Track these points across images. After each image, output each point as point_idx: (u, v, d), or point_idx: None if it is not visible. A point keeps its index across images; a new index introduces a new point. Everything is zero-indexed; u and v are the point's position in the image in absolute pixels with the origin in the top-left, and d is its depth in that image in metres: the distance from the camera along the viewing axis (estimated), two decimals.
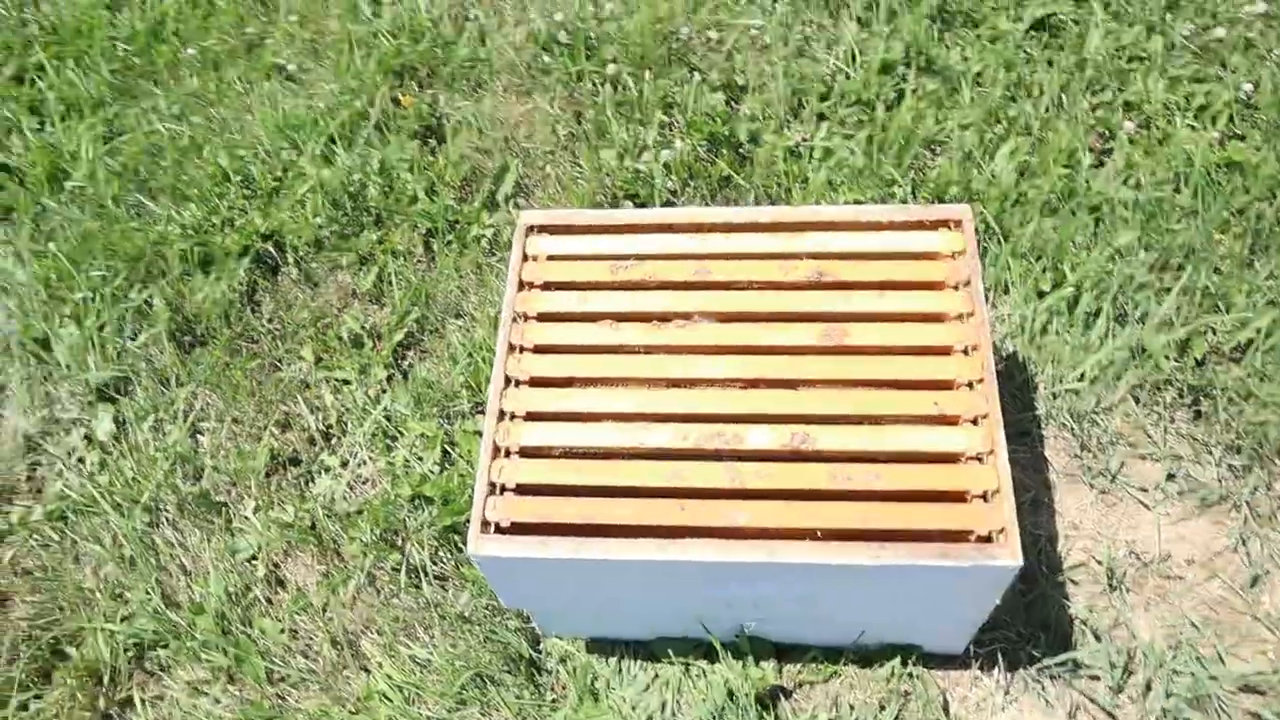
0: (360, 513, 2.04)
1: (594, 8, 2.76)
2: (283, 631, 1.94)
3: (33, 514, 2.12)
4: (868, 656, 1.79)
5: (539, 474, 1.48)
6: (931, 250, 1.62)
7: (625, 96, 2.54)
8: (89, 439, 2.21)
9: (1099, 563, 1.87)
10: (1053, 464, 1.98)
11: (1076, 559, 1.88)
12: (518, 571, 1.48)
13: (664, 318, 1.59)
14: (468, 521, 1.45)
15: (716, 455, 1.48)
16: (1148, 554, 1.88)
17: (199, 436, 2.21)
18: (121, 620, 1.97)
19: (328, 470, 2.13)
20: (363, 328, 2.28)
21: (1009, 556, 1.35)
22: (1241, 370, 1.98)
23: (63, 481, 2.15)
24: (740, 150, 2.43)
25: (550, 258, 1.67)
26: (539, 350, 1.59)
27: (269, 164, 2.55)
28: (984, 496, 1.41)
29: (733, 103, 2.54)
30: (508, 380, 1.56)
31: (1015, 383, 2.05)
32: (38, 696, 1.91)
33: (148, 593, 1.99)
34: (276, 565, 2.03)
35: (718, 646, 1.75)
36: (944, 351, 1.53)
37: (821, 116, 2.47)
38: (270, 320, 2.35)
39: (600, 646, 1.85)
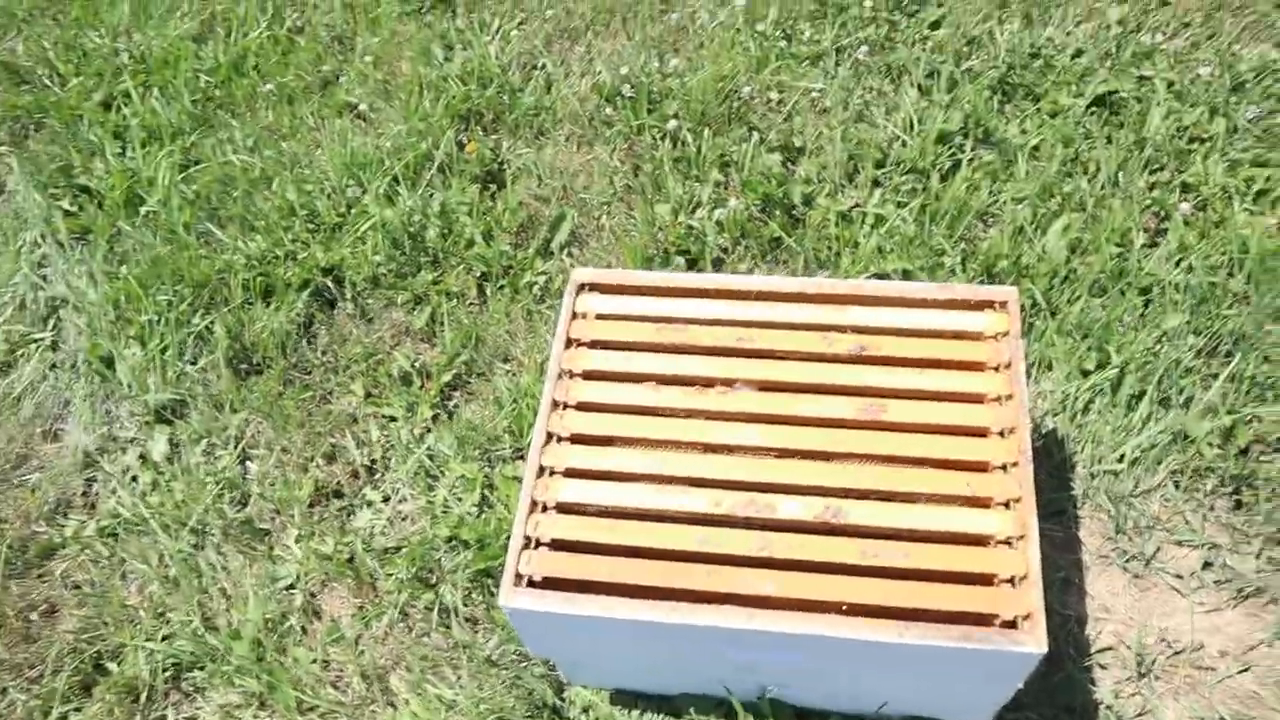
0: (398, 549, 2.09)
1: (659, 63, 2.82)
2: (315, 661, 1.98)
3: (86, 529, 2.20)
4: None
5: (574, 530, 1.52)
6: (975, 330, 1.63)
7: (684, 153, 2.59)
8: (144, 459, 2.29)
9: (1128, 648, 1.85)
10: (1087, 545, 1.97)
11: (1105, 643, 1.87)
12: (546, 624, 1.51)
13: (706, 383, 1.62)
14: (501, 566, 1.49)
15: (747, 524, 1.50)
16: (1179, 642, 1.86)
17: (248, 463, 2.28)
18: (162, 639, 2.03)
19: (369, 505, 2.18)
20: (413, 366, 2.34)
21: (1034, 644, 1.36)
22: None
23: (116, 499, 2.23)
24: (793, 212, 2.46)
25: (599, 316, 1.72)
26: (581, 408, 1.63)
27: (334, 200, 2.64)
28: (1012, 581, 1.42)
29: (789, 164, 2.58)
30: (549, 436, 1.60)
31: (1054, 460, 2.05)
32: (77, 709, 1.98)
33: (189, 614, 2.05)
34: (313, 595, 2.08)
35: (739, 709, 1.76)
36: (981, 433, 1.54)
37: (876, 183, 2.50)
38: (324, 353, 2.42)
39: (624, 698, 1.86)
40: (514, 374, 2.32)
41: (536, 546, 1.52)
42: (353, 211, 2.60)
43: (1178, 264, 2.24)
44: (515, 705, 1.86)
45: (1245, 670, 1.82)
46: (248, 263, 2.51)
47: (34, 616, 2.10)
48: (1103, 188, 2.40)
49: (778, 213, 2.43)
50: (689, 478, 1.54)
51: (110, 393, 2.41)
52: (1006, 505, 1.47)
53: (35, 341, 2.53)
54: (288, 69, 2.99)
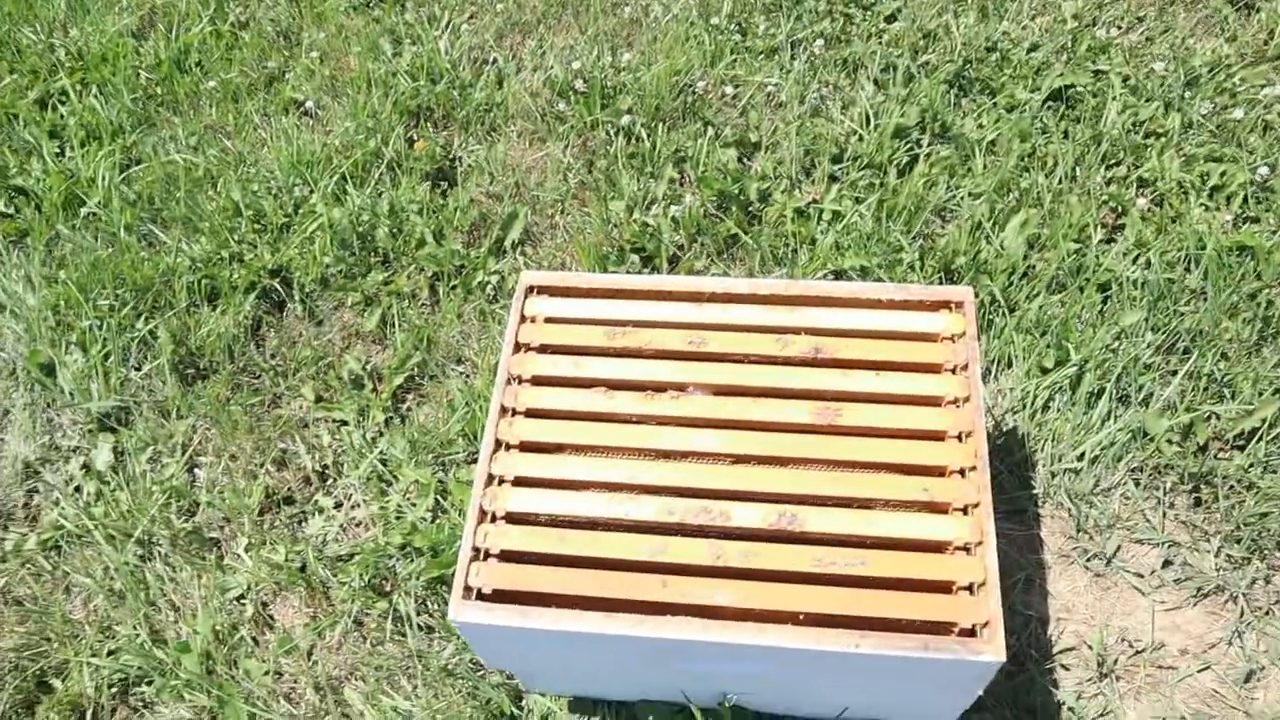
0: (351, 557, 2.04)
1: (612, 58, 2.77)
2: (267, 673, 1.93)
3: (27, 542, 2.13)
4: None
5: (524, 541, 1.48)
6: (931, 331, 1.61)
7: (638, 149, 2.55)
8: (87, 468, 2.22)
9: (1090, 648, 1.84)
10: (1048, 544, 1.96)
11: (1067, 643, 1.86)
12: (499, 637, 1.48)
13: (658, 388, 1.59)
14: (455, 575, 1.45)
15: (702, 532, 1.47)
16: (1140, 641, 1.85)
17: (195, 471, 2.22)
18: (108, 654, 1.97)
19: (321, 511, 2.13)
20: (364, 369, 2.29)
21: (992, 653, 1.34)
22: (1244, 459, 1.96)
23: (58, 510, 2.16)
24: (749, 209, 2.43)
25: (548, 320, 1.68)
26: (531, 414, 1.59)
27: (281, 200, 2.57)
28: (970, 588, 1.40)
29: (745, 159, 2.55)
30: (498, 444, 1.56)
31: (1014, 459, 2.04)
32: None
33: (135, 628, 1.99)
34: (265, 605, 2.03)
35: (698, 716, 1.74)
36: (938, 437, 1.52)
37: (833, 178, 2.47)
38: (273, 356, 2.36)
39: (582, 705, 1.83)
40: (467, 376, 2.27)
41: (486, 558, 1.48)
42: (300, 211, 2.54)
43: (1135, 260, 2.24)
44: (472, 714, 1.82)
45: (1205, 669, 1.82)
46: (192, 265, 2.44)
47: None
48: (1060, 183, 2.39)
49: (734, 209, 2.40)
50: (641, 485, 1.50)
51: (51, 401, 2.33)
52: (964, 510, 1.45)
53: None
54: (232, 65, 2.91)
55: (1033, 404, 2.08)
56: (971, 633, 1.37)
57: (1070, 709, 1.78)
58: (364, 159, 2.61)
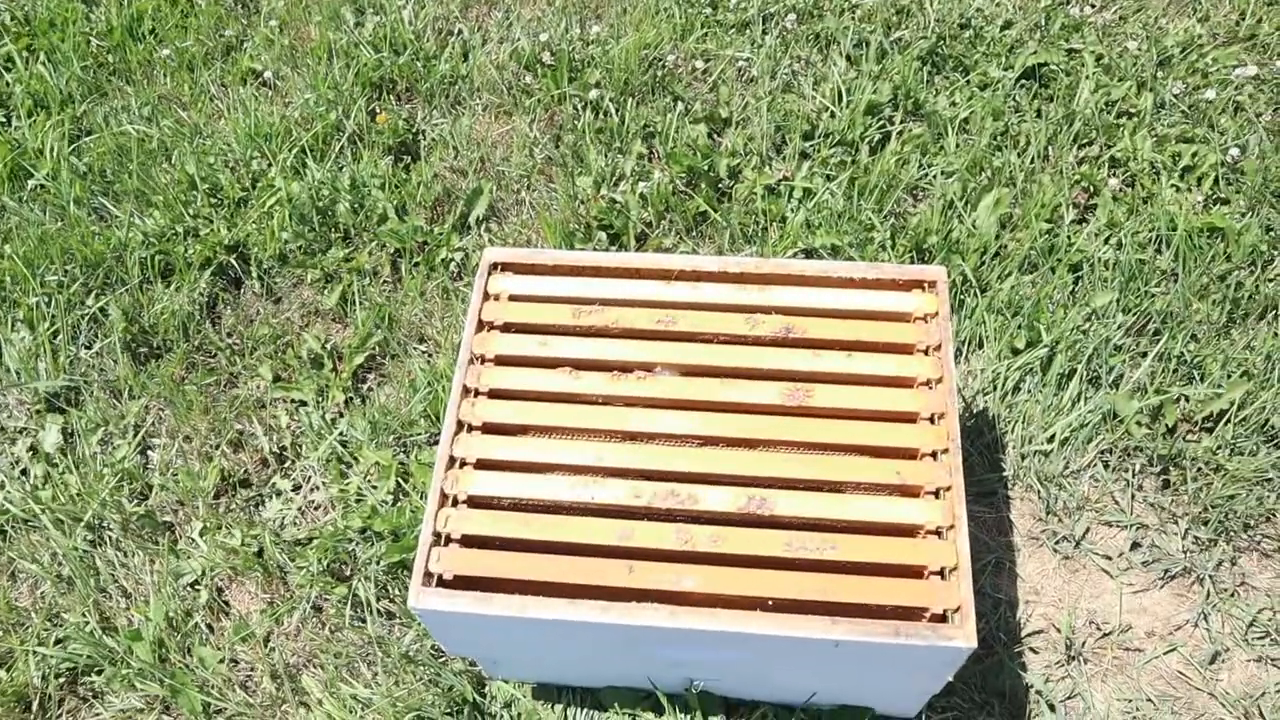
0: (310, 541, 1.99)
1: (580, 30, 2.71)
2: (222, 661, 1.88)
3: None
4: (819, 716, 1.74)
5: (486, 525, 1.44)
6: (904, 311, 1.58)
7: (606, 124, 2.50)
8: (35, 450, 2.15)
9: (1058, 630, 1.83)
10: (1017, 526, 1.94)
11: (1036, 626, 1.85)
12: (460, 624, 1.44)
13: (625, 368, 1.55)
14: (415, 560, 1.41)
15: (669, 516, 1.43)
16: (1108, 624, 1.84)
17: (148, 453, 2.15)
18: (55, 643, 1.91)
19: (279, 494, 2.07)
20: (323, 347, 2.22)
21: (963, 639, 1.31)
22: (1213, 441, 1.95)
23: (3, 494, 2.08)
24: (719, 185, 2.39)
25: (512, 298, 1.63)
26: (494, 395, 1.54)
27: (238, 173, 2.50)
28: (941, 573, 1.37)
29: (715, 135, 2.50)
30: (460, 425, 1.51)
31: (984, 440, 2.02)
32: None
33: (85, 615, 1.93)
34: (220, 591, 1.97)
35: (664, 702, 1.71)
36: (910, 419, 1.49)
37: (804, 155, 2.43)
38: (229, 335, 2.29)
39: (547, 692, 1.80)
40: (430, 355, 2.22)
41: (447, 543, 1.43)
42: (258, 185, 2.46)
43: (1107, 241, 2.22)
44: (434, 702, 1.78)
45: (1171, 651, 1.81)
46: (145, 240, 2.36)
47: None
48: (1032, 162, 2.37)
49: (703, 186, 2.36)
50: (607, 468, 1.46)
51: None
52: (936, 494, 1.42)
53: None
54: (187, 33, 2.82)
55: (1003, 385, 2.06)
56: (943, 618, 1.35)
57: (1038, 692, 1.77)
58: (324, 132, 2.54)
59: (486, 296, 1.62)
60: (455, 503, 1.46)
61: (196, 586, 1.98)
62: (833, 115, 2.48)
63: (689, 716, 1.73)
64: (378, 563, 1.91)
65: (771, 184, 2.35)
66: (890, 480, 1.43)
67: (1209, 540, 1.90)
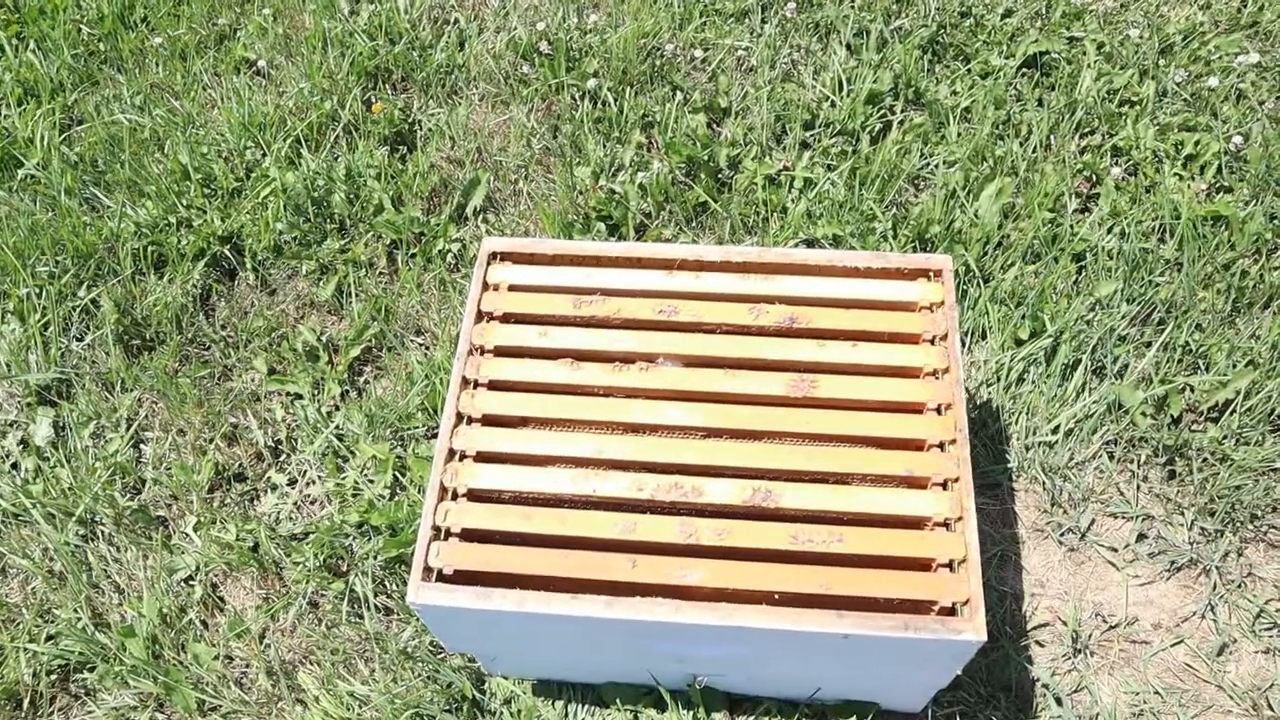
0: (306, 536, 1.96)
1: (578, 19, 2.68)
2: (216, 658, 1.85)
3: None
4: (823, 712, 1.72)
5: (486, 519, 1.41)
6: (909, 301, 1.56)
7: (604, 113, 2.47)
8: (25, 444, 2.12)
9: (1064, 623, 1.82)
10: (1022, 519, 1.92)
11: (1041, 619, 1.83)
12: (460, 620, 1.41)
13: (627, 359, 1.52)
14: (414, 554, 1.38)
15: (673, 509, 1.41)
16: (1114, 616, 1.83)
17: (141, 446, 2.12)
18: (47, 640, 1.88)
19: (274, 489, 2.04)
20: (319, 340, 2.20)
21: (973, 632, 1.29)
22: (1218, 431, 1.93)
23: None
24: (719, 176, 2.36)
25: (512, 288, 1.60)
26: (494, 386, 1.51)
27: (231, 163, 2.47)
28: (950, 565, 1.35)
29: (714, 125, 2.48)
30: (459, 417, 1.48)
31: (988, 432, 2.00)
32: None
33: (77, 611, 1.90)
34: (215, 586, 1.95)
35: (667, 698, 1.69)
36: (916, 409, 1.47)
37: (805, 145, 2.41)
38: (223, 327, 2.26)
39: (547, 688, 1.77)
40: (427, 347, 2.19)
41: (446, 537, 1.41)
42: (252, 175, 2.43)
43: (1110, 230, 2.20)
44: (433, 699, 1.76)
45: (1179, 643, 1.80)
46: (137, 231, 2.33)
47: None
48: (1034, 151, 2.34)
49: (703, 176, 2.33)
50: (609, 460, 1.44)
51: None
52: (944, 486, 1.40)
53: None
54: (180, 21, 2.78)
55: (1007, 376, 2.03)
56: (952, 611, 1.33)
57: (1045, 685, 1.75)
58: (319, 121, 2.50)
59: (486, 286, 1.60)
60: (455, 496, 1.43)
61: (190, 582, 1.95)
62: (833, 105, 2.46)
63: (692, 713, 1.71)
64: (375, 558, 1.89)
65: (772, 174, 2.33)
66: (897, 472, 1.41)
67: (1215, 531, 1.88)
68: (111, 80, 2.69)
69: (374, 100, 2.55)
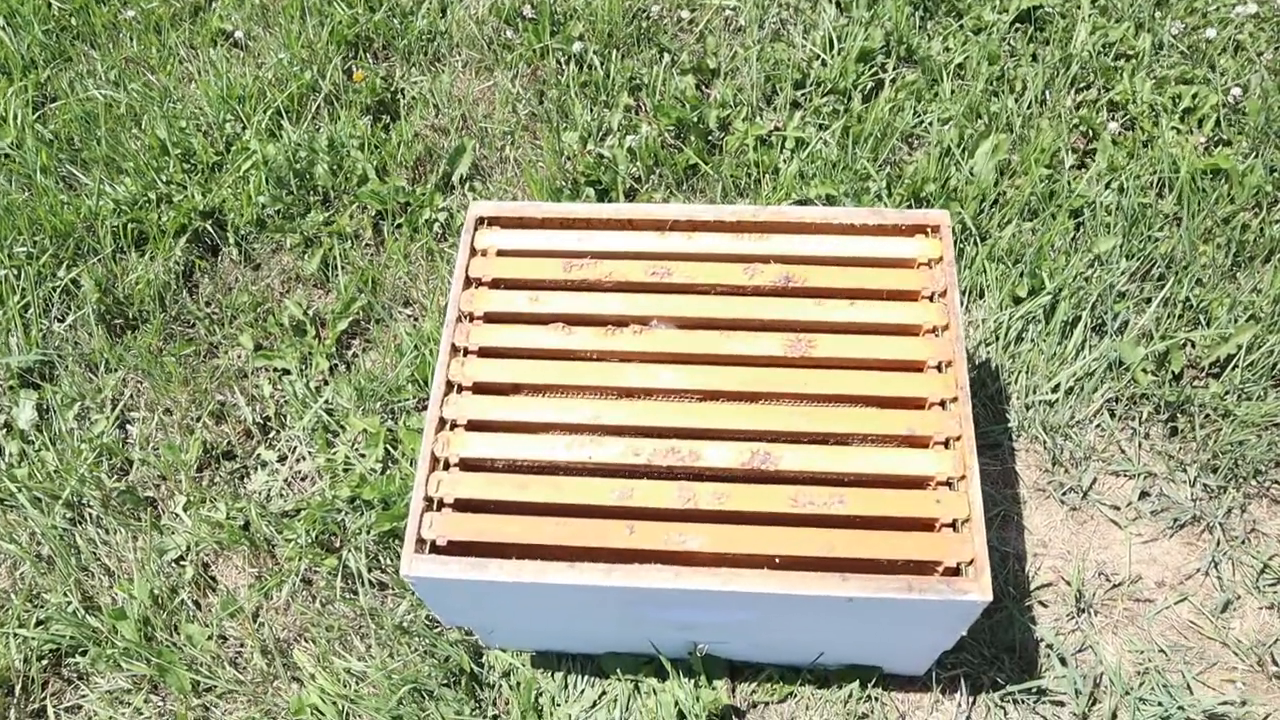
0: (297, 513, 1.93)
1: None
2: (210, 638, 1.82)
3: None
4: (826, 677, 1.71)
5: (480, 489, 1.38)
6: (907, 257, 1.52)
7: (591, 77, 2.42)
8: (8, 427, 2.08)
9: (1067, 583, 1.80)
10: (1023, 478, 1.90)
11: (1044, 579, 1.81)
12: (455, 592, 1.38)
13: (620, 322, 1.49)
14: (407, 528, 1.35)
15: (670, 473, 1.38)
16: (1117, 575, 1.81)
17: (127, 427, 2.08)
18: (36, 624, 1.85)
19: (264, 465, 2.01)
20: (305, 314, 2.16)
21: (978, 591, 1.27)
22: (1220, 387, 1.91)
23: None
24: (709, 138, 2.32)
25: (500, 253, 1.56)
26: (484, 354, 1.48)
27: (211, 137, 2.41)
28: (953, 525, 1.33)
29: (703, 87, 2.43)
30: (450, 385, 1.45)
31: (987, 392, 1.97)
32: None
33: (66, 595, 1.87)
34: (206, 566, 1.92)
35: (668, 666, 1.66)
36: (916, 367, 1.44)
37: (795, 105, 2.36)
38: (208, 304, 2.22)
39: (545, 660, 1.75)
40: (415, 318, 2.15)
41: (439, 508, 1.37)
42: (232, 149, 2.38)
43: (1108, 185, 2.16)
44: (430, 673, 1.73)
45: (1182, 600, 1.78)
46: (117, 208, 2.28)
47: None
48: (1030, 107, 2.30)
49: (693, 138, 2.29)
50: (604, 426, 1.41)
51: None
52: (946, 444, 1.37)
53: None
54: None
55: (1006, 335, 2.00)
56: (956, 571, 1.30)
57: (1049, 646, 1.73)
58: (299, 92, 2.45)
59: (474, 252, 1.56)
60: (447, 466, 1.40)
61: (181, 562, 1.92)
62: (824, 64, 2.41)
63: (692, 680, 1.68)
64: (368, 532, 1.86)
65: (763, 135, 2.28)
66: (898, 431, 1.38)
67: (1218, 487, 1.86)
68: (85, 56, 2.63)
69: (355, 69, 2.49)
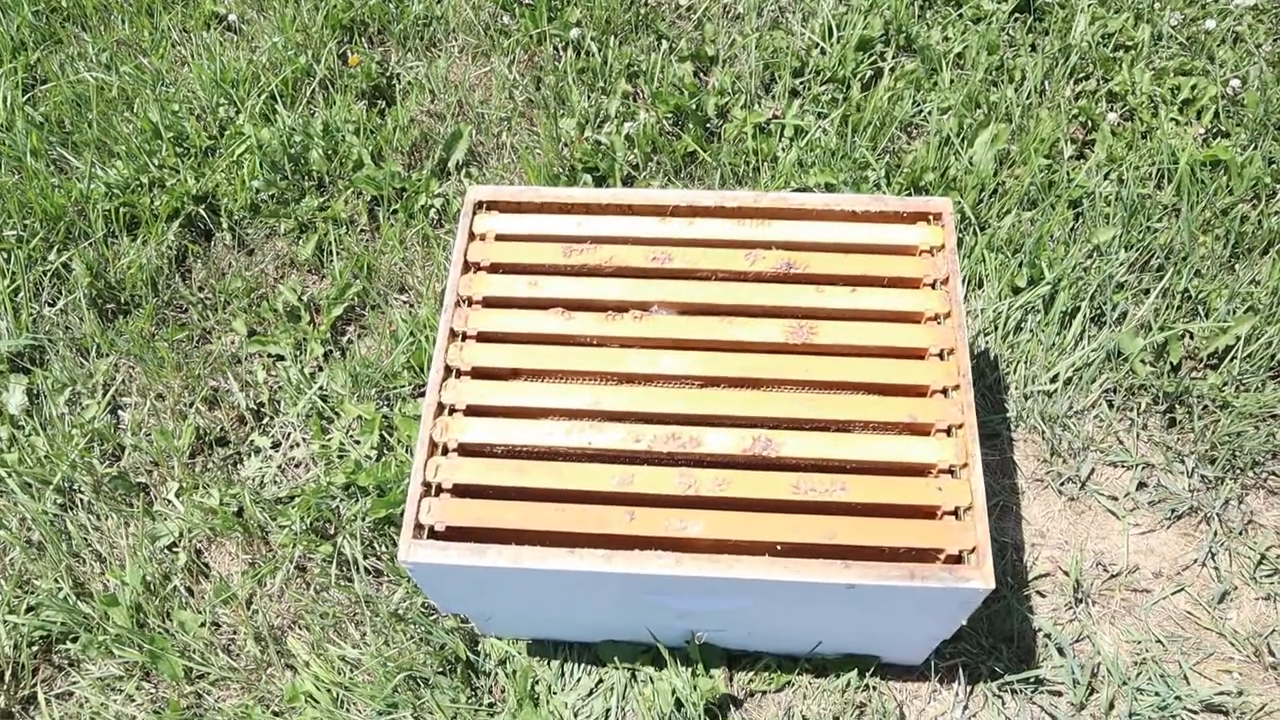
0: (291, 499, 1.92)
1: None
2: (203, 625, 1.81)
3: None
4: (823, 666, 1.70)
5: (478, 474, 1.37)
6: (908, 244, 1.51)
7: (588, 63, 2.40)
8: None
9: (1065, 573, 1.79)
10: (1021, 469, 1.90)
11: (1042, 569, 1.80)
12: (452, 578, 1.37)
13: (620, 308, 1.47)
14: (404, 514, 1.34)
15: (671, 460, 1.37)
16: (1115, 565, 1.80)
17: (119, 412, 2.06)
18: (27, 611, 1.83)
19: (258, 452, 1.99)
20: (300, 300, 2.14)
21: (980, 579, 1.26)
22: (1218, 378, 1.90)
23: None
24: (707, 125, 2.31)
25: (499, 237, 1.55)
26: (483, 338, 1.46)
27: (204, 121, 2.39)
28: (955, 513, 1.32)
29: (701, 74, 2.42)
30: (448, 370, 1.44)
31: (986, 382, 1.96)
32: None
33: (57, 581, 1.85)
34: (199, 553, 1.90)
35: (665, 654, 1.65)
36: (918, 355, 1.43)
37: (794, 93, 2.35)
38: (201, 289, 2.20)
39: (542, 648, 1.74)
40: (411, 304, 2.14)
41: (438, 493, 1.36)
42: (226, 133, 2.36)
43: (1107, 176, 2.16)
44: (426, 661, 1.72)
45: (1179, 591, 1.78)
46: (108, 192, 2.26)
47: None
48: (1029, 97, 2.29)
49: (691, 126, 2.27)
50: (604, 412, 1.39)
51: None
52: (948, 432, 1.36)
53: None
54: None
55: (1004, 325, 2.00)
56: (958, 559, 1.30)
57: (1047, 635, 1.73)
58: (294, 76, 2.43)
59: (472, 236, 1.54)
60: (445, 451, 1.39)
61: (174, 549, 1.90)
62: (823, 52, 2.40)
63: (690, 669, 1.68)
64: (363, 519, 1.84)
65: (762, 122, 2.27)
66: (900, 419, 1.37)
67: (1216, 478, 1.86)
68: (75, 38, 2.60)
69: (350, 54, 2.47)
